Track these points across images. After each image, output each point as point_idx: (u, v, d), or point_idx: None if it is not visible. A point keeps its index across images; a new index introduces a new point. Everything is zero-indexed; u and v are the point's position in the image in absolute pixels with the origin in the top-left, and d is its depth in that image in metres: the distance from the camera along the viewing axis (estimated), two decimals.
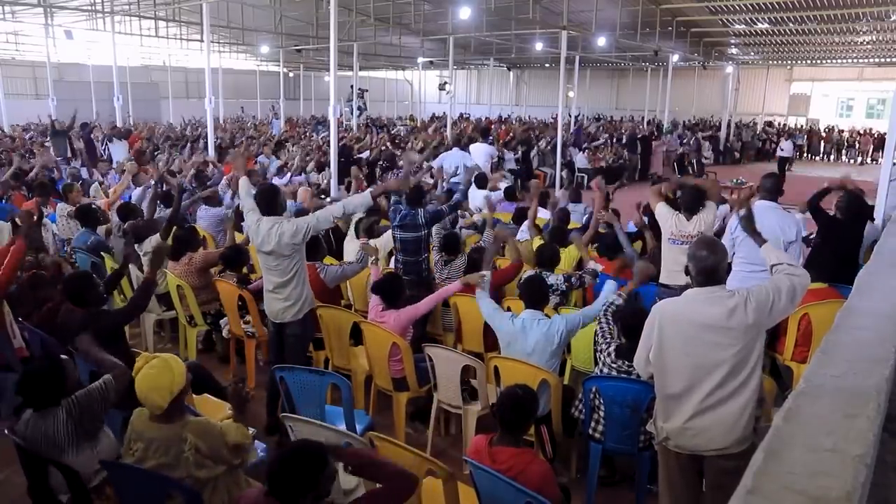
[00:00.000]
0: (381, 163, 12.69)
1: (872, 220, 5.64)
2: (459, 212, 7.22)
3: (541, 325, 3.67)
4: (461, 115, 27.05)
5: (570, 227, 6.86)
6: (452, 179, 10.12)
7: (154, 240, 5.49)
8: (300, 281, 4.04)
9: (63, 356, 2.88)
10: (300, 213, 6.73)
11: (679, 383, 2.67)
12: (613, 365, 3.47)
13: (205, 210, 7.05)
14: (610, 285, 3.83)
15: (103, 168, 9.95)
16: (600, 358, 3.59)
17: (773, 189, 4.55)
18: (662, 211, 4.66)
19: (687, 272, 2.75)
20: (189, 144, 14.88)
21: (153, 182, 7.43)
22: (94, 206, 6.64)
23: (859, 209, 5.26)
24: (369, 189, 4.33)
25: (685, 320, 2.65)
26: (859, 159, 24.42)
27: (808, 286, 2.71)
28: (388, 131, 22.31)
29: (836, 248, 4.94)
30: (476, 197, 8.87)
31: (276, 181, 9.15)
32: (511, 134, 18.27)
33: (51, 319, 3.91)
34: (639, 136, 18.24)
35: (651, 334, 2.74)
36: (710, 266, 2.64)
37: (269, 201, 4.00)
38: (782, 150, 19.17)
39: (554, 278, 4.82)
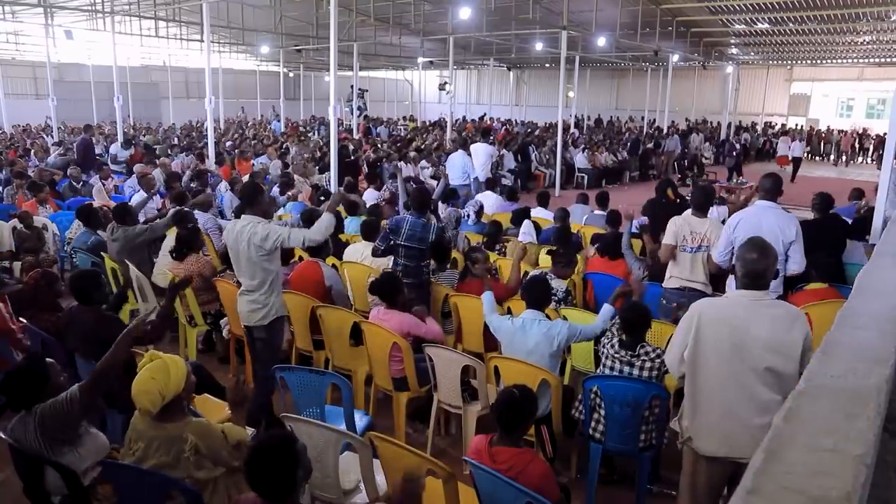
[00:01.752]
0: (382, 162, 12.73)
1: (866, 239, 5.63)
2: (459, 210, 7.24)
3: (541, 325, 3.68)
4: (463, 118, 27.08)
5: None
6: (455, 182, 10.17)
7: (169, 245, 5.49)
8: (270, 288, 3.94)
9: (49, 359, 2.85)
10: (303, 213, 6.75)
11: (709, 386, 2.63)
12: (617, 356, 3.48)
13: (198, 215, 7.04)
14: (608, 310, 3.79)
15: (105, 172, 9.97)
16: (603, 351, 3.60)
17: (773, 189, 4.54)
18: (670, 236, 4.62)
19: (731, 271, 2.72)
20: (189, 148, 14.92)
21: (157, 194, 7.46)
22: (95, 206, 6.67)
23: (830, 205, 5.38)
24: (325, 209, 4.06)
25: (726, 324, 2.60)
26: (843, 158, 24.34)
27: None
28: (389, 133, 22.34)
29: (818, 246, 4.87)
30: (480, 198, 8.88)
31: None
32: (512, 139, 18.33)
33: (60, 323, 3.92)
34: (642, 146, 18.34)
35: (688, 334, 2.68)
36: (759, 269, 2.58)
37: (251, 197, 3.95)
38: (792, 150, 19.17)
39: (556, 283, 4.82)
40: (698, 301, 2.84)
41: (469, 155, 10.83)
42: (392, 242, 4.97)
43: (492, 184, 9.49)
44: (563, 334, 3.64)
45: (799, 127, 27.41)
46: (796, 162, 18.66)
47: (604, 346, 3.62)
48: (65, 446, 2.62)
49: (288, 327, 4.90)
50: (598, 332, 3.74)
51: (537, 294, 3.85)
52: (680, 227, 4.61)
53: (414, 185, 6.97)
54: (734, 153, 17.95)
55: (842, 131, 26.20)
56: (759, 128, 26.94)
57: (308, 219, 6.58)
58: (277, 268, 4.02)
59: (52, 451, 2.59)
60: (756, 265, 2.59)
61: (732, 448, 2.61)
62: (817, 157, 25.60)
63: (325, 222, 3.88)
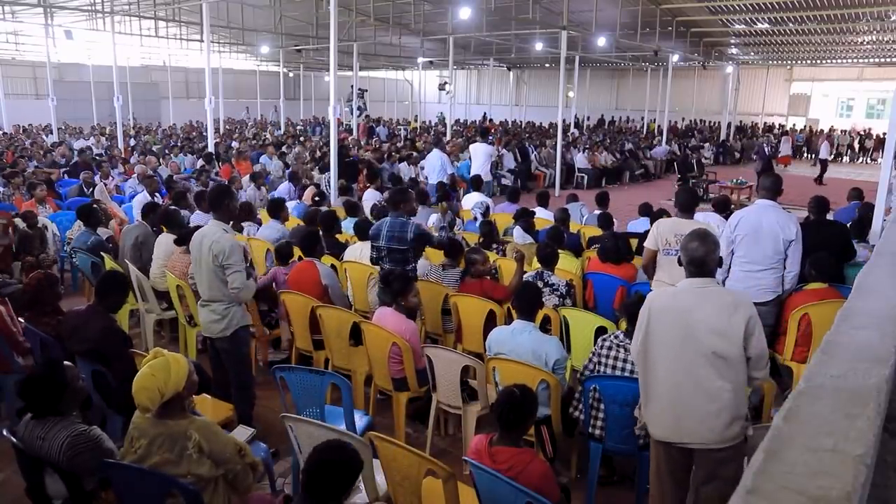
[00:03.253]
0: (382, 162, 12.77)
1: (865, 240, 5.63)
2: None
3: (532, 334, 3.65)
4: (458, 121, 27.11)
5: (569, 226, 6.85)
6: (433, 180, 10.20)
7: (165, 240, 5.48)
8: (228, 299, 3.83)
9: (67, 363, 2.85)
10: (314, 212, 6.76)
11: (659, 373, 2.72)
12: (622, 344, 3.47)
13: (198, 215, 7.05)
14: None
15: (105, 171, 10.00)
16: (603, 345, 3.57)
17: (773, 188, 4.54)
18: (650, 240, 4.55)
19: (679, 263, 2.80)
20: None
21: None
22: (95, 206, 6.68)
23: (826, 208, 5.34)
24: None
25: (673, 311, 2.70)
26: (812, 158, 24.23)
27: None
28: (388, 133, 22.34)
29: (816, 248, 4.81)
30: (472, 200, 8.86)
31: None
32: (513, 137, 18.35)
33: (63, 326, 3.93)
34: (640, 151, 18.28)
35: (642, 324, 2.78)
36: (699, 256, 2.67)
37: (218, 200, 3.82)
38: (821, 153, 18.82)
39: (556, 279, 4.82)
40: (651, 292, 2.94)
41: (445, 153, 10.87)
42: (378, 249, 4.80)
43: (478, 184, 9.45)
44: (551, 355, 3.56)
45: (799, 127, 27.46)
46: (823, 164, 18.31)
47: (605, 341, 3.58)
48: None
49: (288, 327, 4.90)
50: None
51: (527, 300, 3.80)
52: (662, 231, 4.47)
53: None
54: (764, 155, 16.61)
55: (821, 131, 26.15)
56: (760, 129, 26.91)
57: (310, 220, 6.59)
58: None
59: (67, 464, 2.59)
60: (696, 252, 2.67)
61: (682, 434, 2.69)
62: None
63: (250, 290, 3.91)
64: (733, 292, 2.77)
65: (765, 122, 28.76)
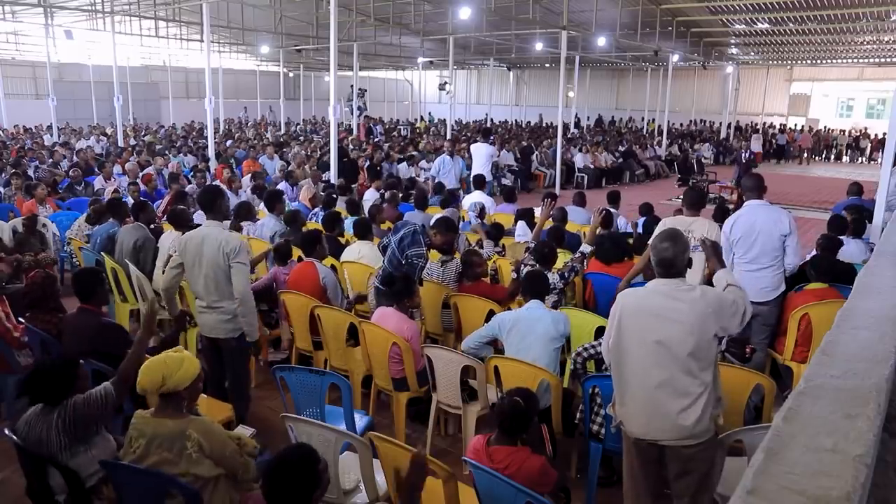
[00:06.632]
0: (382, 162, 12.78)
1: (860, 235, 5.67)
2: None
3: (544, 310, 3.77)
4: (459, 121, 27.06)
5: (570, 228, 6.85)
6: (440, 179, 10.23)
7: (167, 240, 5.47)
8: (246, 297, 3.76)
9: (81, 360, 2.88)
10: (286, 215, 6.75)
11: (632, 373, 2.73)
12: None
13: (200, 215, 7.04)
14: None
15: (107, 172, 9.99)
16: None
17: (756, 188, 4.60)
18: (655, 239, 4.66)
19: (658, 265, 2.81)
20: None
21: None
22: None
23: (837, 248, 5.12)
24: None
25: (643, 311, 2.70)
26: (799, 160, 24.32)
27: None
28: (388, 136, 22.30)
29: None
30: (472, 199, 8.85)
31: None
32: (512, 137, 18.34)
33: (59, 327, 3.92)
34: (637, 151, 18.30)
35: (612, 324, 2.79)
36: (668, 257, 2.67)
37: (211, 201, 3.83)
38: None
39: (551, 277, 4.82)
40: (622, 292, 2.94)
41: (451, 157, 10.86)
42: (387, 241, 4.73)
43: (480, 183, 9.45)
44: (565, 327, 3.73)
45: (800, 127, 27.45)
46: None
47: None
48: (81, 445, 2.65)
49: (288, 327, 4.90)
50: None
51: (538, 287, 3.93)
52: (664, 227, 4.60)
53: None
54: (741, 162, 15.85)
55: (804, 129, 26.13)
56: (768, 131, 26.89)
57: (290, 220, 6.59)
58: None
59: (69, 448, 2.61)
60: (665, 253, 2.67)
61: (654, 431, 2.70)
62: (817, 158, 25.62)
63: (251, 309, 3.87)
64: (702, 288, 2.74)
65: (751, 123, 28.58)
